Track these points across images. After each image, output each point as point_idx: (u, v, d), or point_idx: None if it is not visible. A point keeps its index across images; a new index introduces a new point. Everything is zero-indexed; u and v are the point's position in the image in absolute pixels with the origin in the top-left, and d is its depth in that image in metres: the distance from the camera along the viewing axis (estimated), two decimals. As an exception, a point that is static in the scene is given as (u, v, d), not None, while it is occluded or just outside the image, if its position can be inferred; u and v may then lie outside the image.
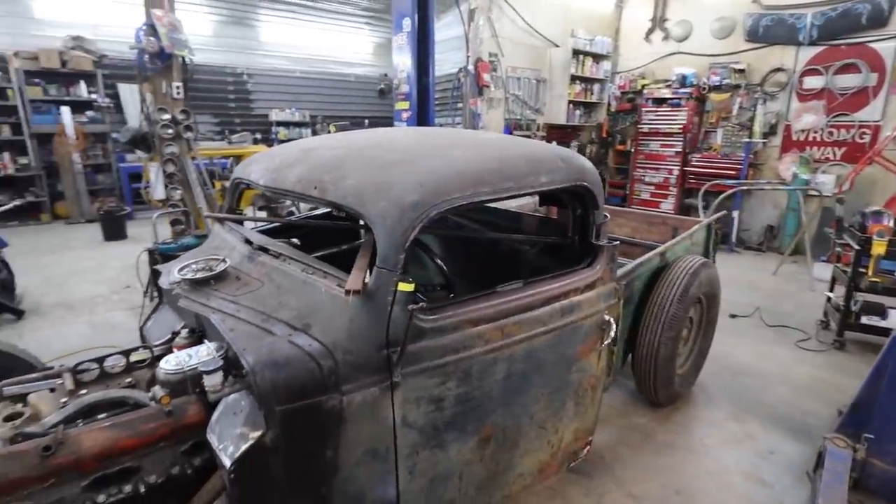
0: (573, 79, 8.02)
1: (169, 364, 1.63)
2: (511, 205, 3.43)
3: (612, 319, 2.23)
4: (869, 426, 2.55)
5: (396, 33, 5.17)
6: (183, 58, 4.68)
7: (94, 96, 9.22)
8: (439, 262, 2.22)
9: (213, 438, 1.60)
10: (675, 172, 8.00)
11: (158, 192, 4.64)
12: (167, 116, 4.52)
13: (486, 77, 6.81)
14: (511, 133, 7.37)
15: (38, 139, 8.88)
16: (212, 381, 1.54)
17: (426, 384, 1.74)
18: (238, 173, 2.59)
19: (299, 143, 2.47)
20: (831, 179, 6.74)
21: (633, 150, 8.56)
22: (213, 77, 10.82)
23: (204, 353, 1.66)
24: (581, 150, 8.91)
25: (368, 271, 1.70)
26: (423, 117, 5.29)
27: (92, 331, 4.54)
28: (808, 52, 7.03)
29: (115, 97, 9.64)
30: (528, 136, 7.71)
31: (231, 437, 1.56)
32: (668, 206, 8.06)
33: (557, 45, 7.94)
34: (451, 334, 1.75)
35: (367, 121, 12.50)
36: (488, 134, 2.70)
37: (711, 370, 3.80)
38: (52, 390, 1.81)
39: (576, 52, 7.89)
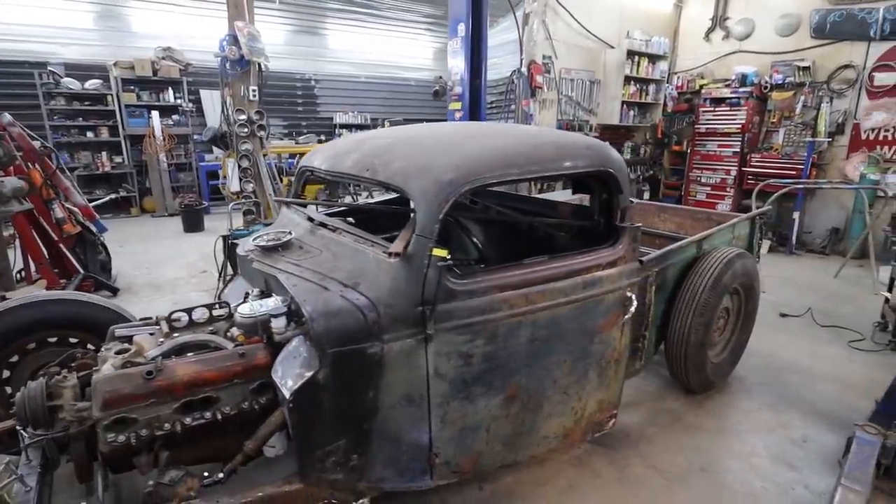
0: (627, 79, 8.03)
1: (244, 310, 1.98)
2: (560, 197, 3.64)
3: (633, 296, 2.40)
4: (901, 415, 2.57)
5: (452, 37, 5.46)
6: (259, 64, 5.18)
7: (179, 101, 10.14)
8: (475, 240, 2.46)
9: (276, 377, 1.92)
10: (733, 173, 7.84)
11: (234, 184, 5.16)
12: (243, 117, 5.04)
13: (538, 79, 6.99)
14: (563, 133, 7.49)
15: (131, 140, 9.88)
16: (277, 324, 1.87)
17: (456, 340, 1.99)
18: (303, 163, 2.95)
19: (355, 136, 2.80)
20: (904, 180, 6.42)
21: (689, 150, 8.44)
22: (283, 82, 11.57)
23: (271, 304, 1.99)
24: (635, 151, 8.88)
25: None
26: (474, 117, 5.55)
27: (174, 307, 5.08)
28: (880, 48, 6.73)
29: (198, 102, 10.55)
30: (581, 137, 7.81)
31: (291, 375, 1.88)
32: (724, 207, 7.89)
33: (613, 47, 7.99)
34: (480, 297, 1.99)
35: (423, 122, 12.94)
36: (525, 126, 2.92)
37: (754, 365, 3.83)
38: (152, 334, 2.21)
39: (631, 53, 7.90)
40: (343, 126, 12.31)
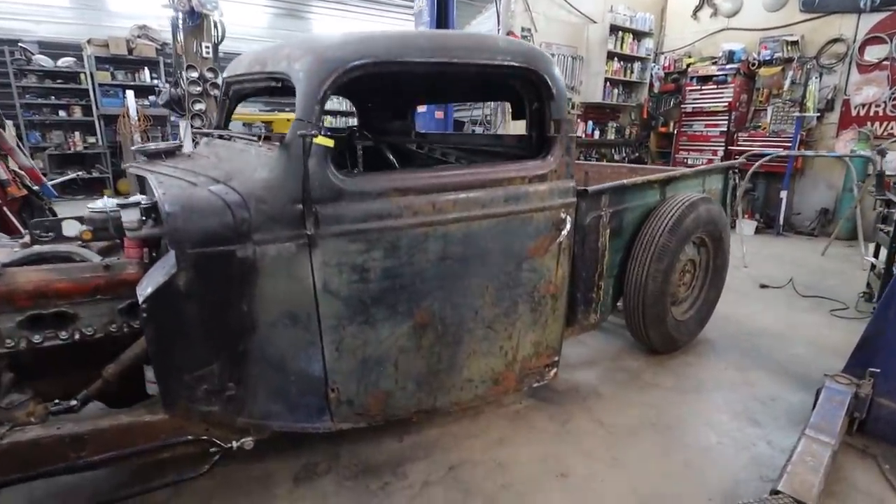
0: (611, 55, 7.76)
1: (96, 205, 1.70)
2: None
3: (568, 218, 2.12)
4: (877, 362, 2.28)
5: (417, -3, 5.22)
6: (214, 21, 4.92)
7: (156, 81, 9.89)
8: (392, 158, 2.19)
9: (139, 288, 1.64)
10: (720, 153, 7.56)
11: (187, 146, 4.88)
12: (195, 74, 4.78)
13: (516, 50, 6.73)
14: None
15: (105, 120, 9.63)
16: (129, 217, 1.59)
17: (348, 249, 1.72)
18: (223, 76, 2.67)
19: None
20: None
21: (675, 132, 8.17)
22: (265, 67, 11.32)
23: (134, 199, 1.72)
24: (620, 132, 8.61)
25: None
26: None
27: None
28: (871, 20, 6.47)
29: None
30: (562, 114, 7.55)
31: (150, 282, 1.60)
32: (711, 188, 7.62)
33: (595, 22, 7.73)
34: (375, 200, 1.72)
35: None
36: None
37: (725, 329, 3.56)
38: (14, 248, 1.94)
39: (614, 28, 7.64)
40: (327, 112, 12.05)
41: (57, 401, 1.73)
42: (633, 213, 2.81)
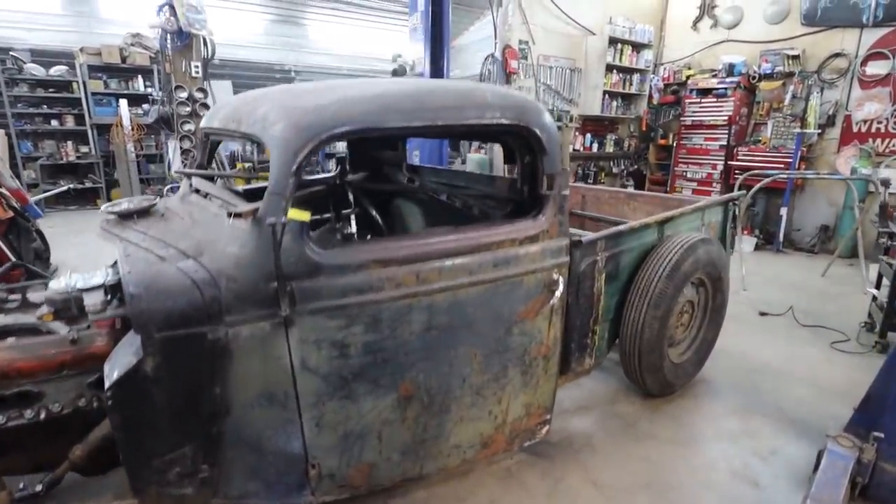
0: (610, 68, 7.66)
1: (58, 284, 1.61)
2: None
3: (560, 279, 2.03)
4: (881, 424, 2.20)
5: (412, 13, 5.12)
6: (204, 38, 4.82)
7: (149, 90, 9.77)
8: (374, 213, 2.10)
9: (106, 367, 1.56)
10: (720, 167, 7.47)
11: (175, 167, 4.80)
12: (184, 94, 4.68)
13: (513, 64, 6.63)
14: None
15: (98, 130, 9.52)
16: (92, 301, 1.50)
17: (327, 326, 1.63)
18: (201, 126, 2.59)
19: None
20: (896, 174, 6.05)
21: (675, 144, 8.07)
22: (262, 73, 11.21)
23: (98, 277, 1.62)
24: (619, 144, 8.51)
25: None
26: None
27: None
28: (873, 35, 6.37)
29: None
30: (560, 127, 7.44)
31: (117, 365, 1.51)
32: (710, 203, 7.53)
33: (594, 34, 7.63)
34: (355, 273, 1.63)
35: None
36: (440, 80, 2.56)
37: (724, 366, 3.46)
38: (-25, 316, 1.84)
39: (613, 40, 7.54)
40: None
41: (22, 486, 1.64)
42: (629, 254, 2.71)
